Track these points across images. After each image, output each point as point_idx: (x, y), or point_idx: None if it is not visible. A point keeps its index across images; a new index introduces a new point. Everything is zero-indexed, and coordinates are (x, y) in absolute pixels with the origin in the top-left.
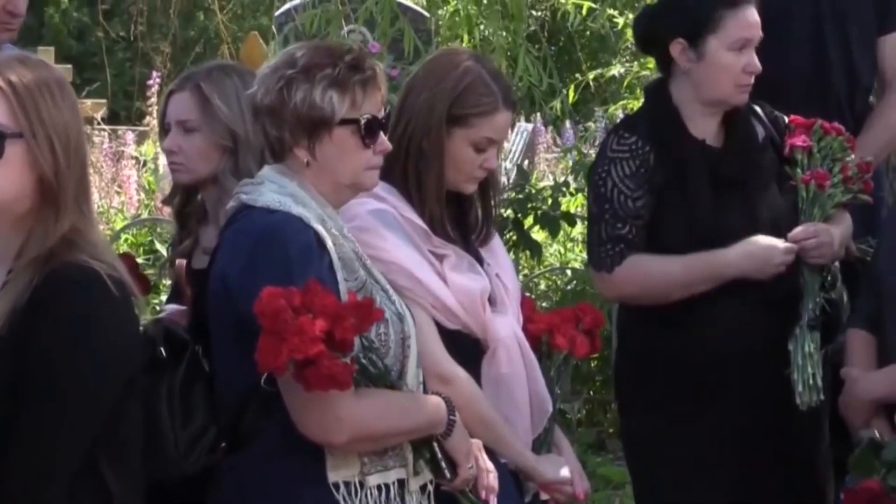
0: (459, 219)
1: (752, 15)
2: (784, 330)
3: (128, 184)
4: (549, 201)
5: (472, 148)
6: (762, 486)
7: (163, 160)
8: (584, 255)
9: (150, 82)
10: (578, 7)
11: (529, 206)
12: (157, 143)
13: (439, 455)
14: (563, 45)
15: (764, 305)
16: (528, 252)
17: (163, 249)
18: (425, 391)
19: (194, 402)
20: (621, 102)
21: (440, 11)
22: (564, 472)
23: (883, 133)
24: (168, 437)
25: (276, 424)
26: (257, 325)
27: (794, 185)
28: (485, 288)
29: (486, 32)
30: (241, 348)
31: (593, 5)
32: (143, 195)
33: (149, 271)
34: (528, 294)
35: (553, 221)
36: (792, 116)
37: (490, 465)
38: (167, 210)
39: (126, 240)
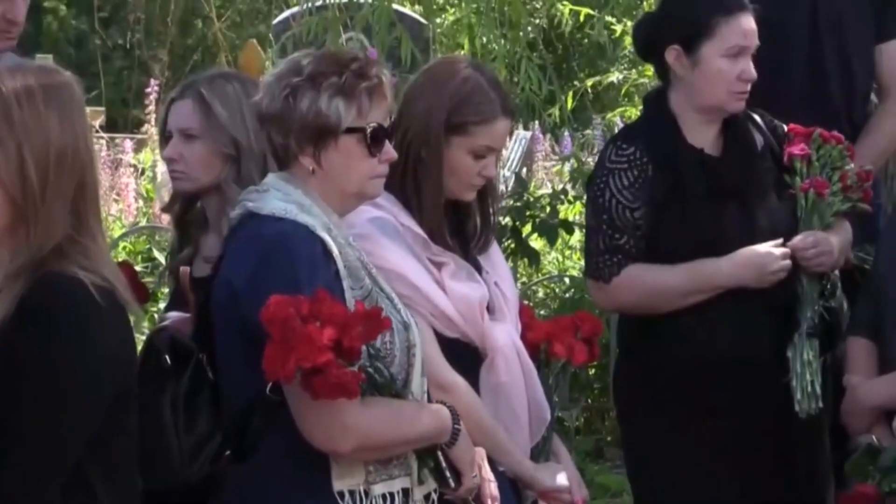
0: (458, 227)
1: (748, 22)
2: (784, 337)
3: (126, 192)
4: (548, 209)
5: (471, 156)
6: (762, 494)
7: (161, 168)
8: (583, 263)
9: (148, 90)
10: (576, 14)
11: (528, 213)
12: (156, 151)
13: (444, 464)
14: (560, 52)
15: (764, 313)
16: (526, 260)
17: (161, 257)
18: (429, 400)
19: (198, 410)
20: (619, 109)
21: (438, 20)
22: (563, 480)
23: (881, 141)
24: (172, 445)
25: (281, 433)
26: (263, 333)
27: (794, 194)
28: (483, 296)
29: (486, 40)
30: (246, 356)
31: (591, 13)
32: (141, 203)
33: (147, 279)
34: (526, 302)
35: (551, 229)
36: (791, 125)
37: (491, 475)
38: (166, 218)
39: (124, 248)
